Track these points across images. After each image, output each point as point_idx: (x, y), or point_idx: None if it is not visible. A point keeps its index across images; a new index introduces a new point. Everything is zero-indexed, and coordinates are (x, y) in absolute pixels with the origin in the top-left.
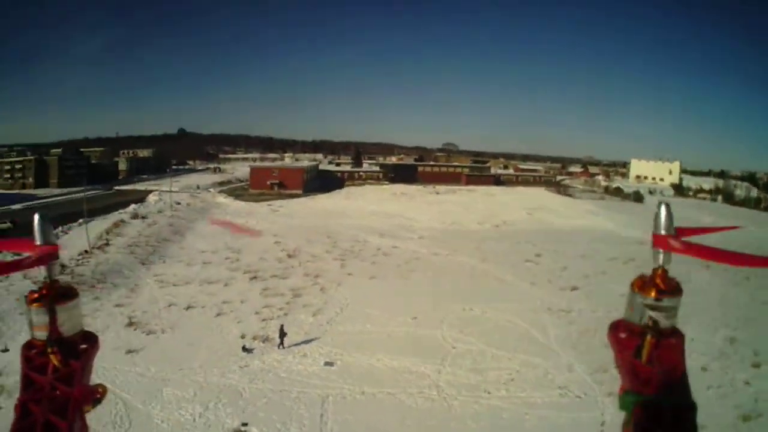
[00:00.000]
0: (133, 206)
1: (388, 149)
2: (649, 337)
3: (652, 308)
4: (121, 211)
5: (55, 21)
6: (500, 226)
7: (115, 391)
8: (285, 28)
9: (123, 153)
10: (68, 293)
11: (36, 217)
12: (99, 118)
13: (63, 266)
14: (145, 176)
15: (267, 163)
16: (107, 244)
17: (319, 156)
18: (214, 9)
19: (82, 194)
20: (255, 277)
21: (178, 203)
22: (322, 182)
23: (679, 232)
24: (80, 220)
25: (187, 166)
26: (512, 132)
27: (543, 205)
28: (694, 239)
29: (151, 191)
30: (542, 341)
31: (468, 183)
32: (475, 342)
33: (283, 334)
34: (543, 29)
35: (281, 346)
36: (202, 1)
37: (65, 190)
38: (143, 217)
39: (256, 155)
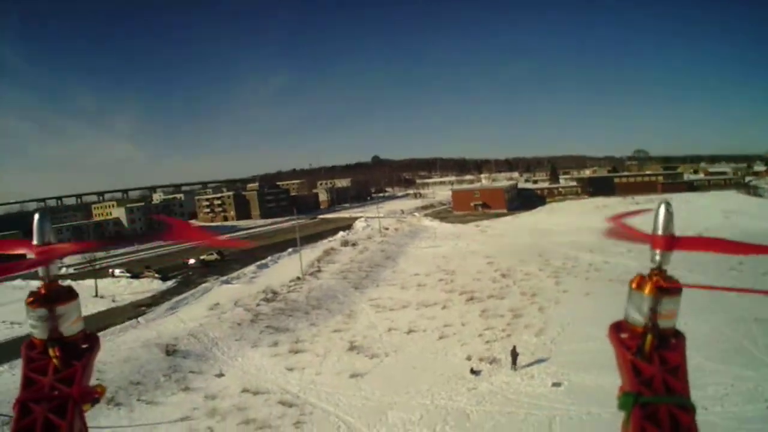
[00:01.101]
0: (341, 233)
1: (579, 161)
2: (649, 337)
3: (653, 308)
4: (330, 239)
5: (243, 58)
6: (702, 233)
7: (338, 414)
8: (471, 54)
9: (321, 183)
10: (68, 294)
11: (36, 216)
12: (291, 152)
13: (274, 293)
14: (346, 205)
15: (465, 186)
16: (319, 271)
17: (515, 174)
18: (398, 40)
19: (286, 223)
20: (472, 299)
21: (386, 228)
22: (523, 200)
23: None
24: (289, 249)
25: (386, 193)
26: (699, 132)
27: (737, 208)
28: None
29: (355, 218)
30: (754, 353)
31: (663, 191)
32: (694, 356)
33: (515, 354)
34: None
35: (514, 368)
36: (382, 36)
37: (269, 221)
38: (353, 244)
39: (452, 178)
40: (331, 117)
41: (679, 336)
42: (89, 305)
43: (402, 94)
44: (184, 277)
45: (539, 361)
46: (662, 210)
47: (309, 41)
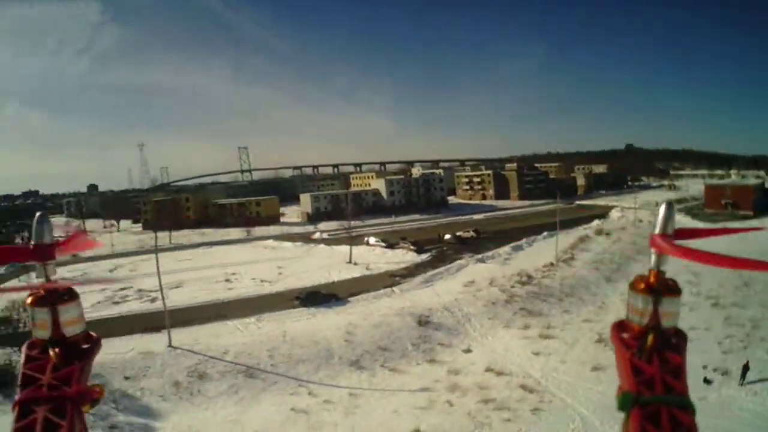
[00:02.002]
0: (596, 222)
1: None
2: (650, 338)
3: (653, 308)
4: (585, 226)
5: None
6: None
7: (574, 406)
8: None
9: (578, 168)
10: (69, 294)
11: (36, 215)
12: (544, 135)
13: (529, 277)
14: (602, 192)
15: (716, 181)
16: (572, 258)
17: (761, 173)
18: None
19: (543, 207)
20: (716, 304)
21: (640, 221)
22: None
23: (679, 234)
24: (545, 233)
25: (642, 182)
26: None
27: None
28: (695, 243)
29: (611, 207)
30: None
31: None
32: None
33: (746, 369)
34: None
35: (742, 382)
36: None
37: (527, 203)
38: (607, 234)
39: (704, 171)
40: (583, 101)
41: (680, 336)
42: (342, 271)
43: (659, 81)
44: (438, 252)
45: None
46: (663, 210)
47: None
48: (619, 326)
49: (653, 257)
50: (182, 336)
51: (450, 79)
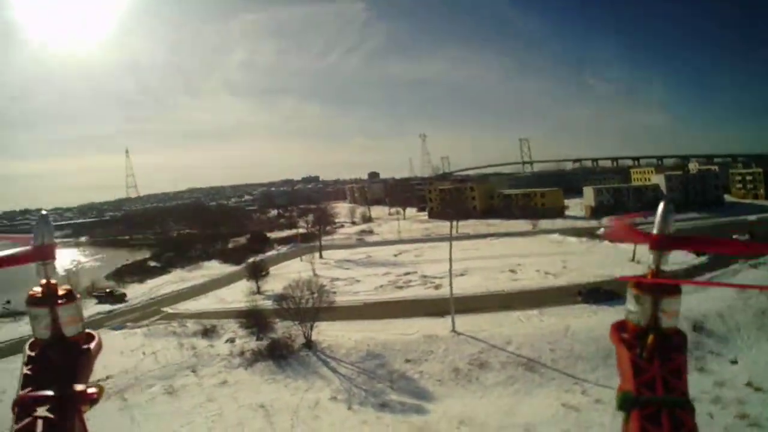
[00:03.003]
0: None
1: None
2: (650, 338)
3: (653, 308)
4: None
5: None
6: None
7: None
8: None
9: None
10: (69, 295)
11: (38, 216)
12: None
13: None
14: None
15: None
16: None
17: None
18: None
19: None
20: None
21: None
22: None
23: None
24: None
25: None
26: None
27: None
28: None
29: None
30: None
31: None
32: None
33: None
34: None
35: None
36: None
37: None
38: None
39: None
40: None
41: (679, 336)
42: (626, 269)
43: None
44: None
45: None
46: (661, 209)
47: None
48: (619, 326)
49: (653, 257)
50: (465, 322)
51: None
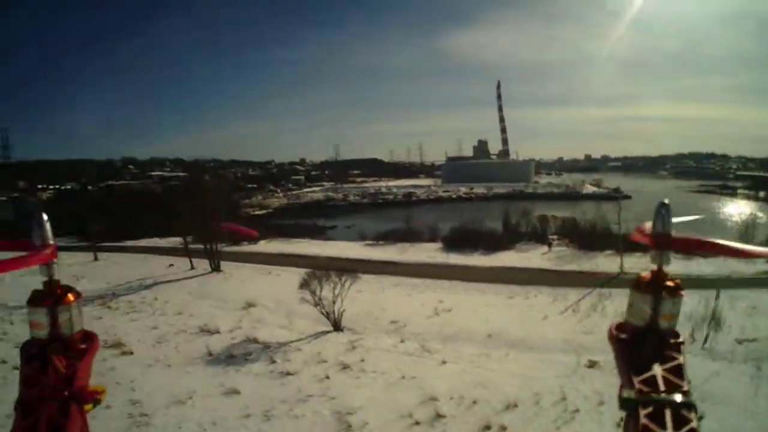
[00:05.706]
0: None
1: None
2: (650, 338)
3: (653, 309)
4: None
5: None
6: None
7: None
8: None
9: None
10: (69, 294)
11: (36, 217)
12: None
13: None
14: None
15: None
16: None
17: None
18: None
19: None
20: None
21: None
22: None
23: (675, 240)
24: None
25: None
26: None
27: None
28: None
29: None
30: None
31: None
32: None
33: None
34: None
35: None
36: None
37: None
38: None
39: None
40: None
41: (678, 336)
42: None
43: None
44: None
45: None
46: (661, 208)
47: None
48: (617, 327)
49: (660, 257)
50: None
51: None
